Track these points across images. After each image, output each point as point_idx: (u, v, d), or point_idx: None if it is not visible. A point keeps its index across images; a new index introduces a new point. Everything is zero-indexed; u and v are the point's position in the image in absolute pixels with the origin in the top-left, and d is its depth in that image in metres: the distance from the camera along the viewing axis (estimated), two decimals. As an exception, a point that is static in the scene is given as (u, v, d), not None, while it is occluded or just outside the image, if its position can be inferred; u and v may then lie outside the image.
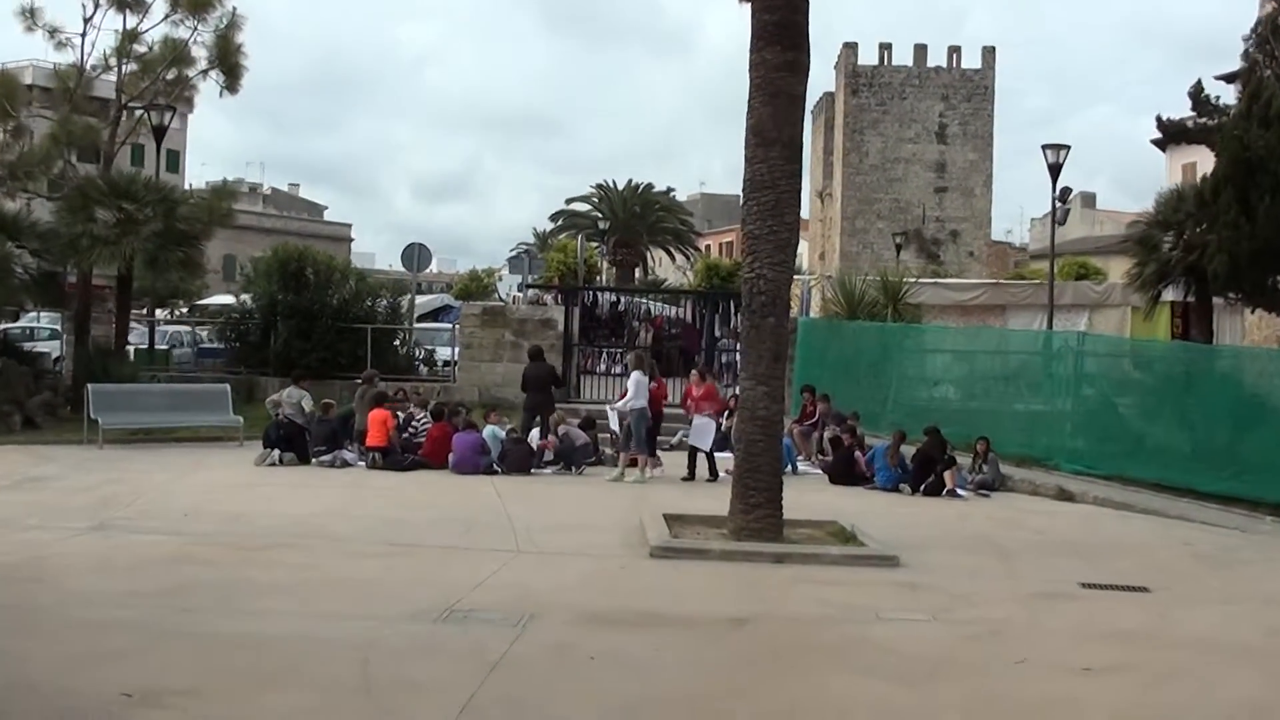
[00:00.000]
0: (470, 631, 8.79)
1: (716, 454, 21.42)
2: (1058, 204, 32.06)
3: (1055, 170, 30.54)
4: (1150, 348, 23.01)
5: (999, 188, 68.24)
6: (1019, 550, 13.51)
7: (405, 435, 19.80)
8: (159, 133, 28.32)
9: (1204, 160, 50.37)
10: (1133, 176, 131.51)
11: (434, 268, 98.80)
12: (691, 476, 18.52)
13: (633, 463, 18.56)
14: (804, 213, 12.46)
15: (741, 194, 13.19)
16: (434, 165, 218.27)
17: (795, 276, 20.66)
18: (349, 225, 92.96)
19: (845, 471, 18.86)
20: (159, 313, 44.19)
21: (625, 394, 19.05)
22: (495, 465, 18.49)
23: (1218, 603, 11.12)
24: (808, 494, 15.54)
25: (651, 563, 11.80)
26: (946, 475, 17.67)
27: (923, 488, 17.76)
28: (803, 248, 70.75)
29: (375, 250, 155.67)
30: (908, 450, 18.77)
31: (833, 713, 7.39)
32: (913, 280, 31.21)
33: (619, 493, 16.87)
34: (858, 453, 19.14)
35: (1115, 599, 11.01)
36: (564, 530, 13.50)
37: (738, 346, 28.44)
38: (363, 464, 18.89)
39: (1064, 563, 12.75)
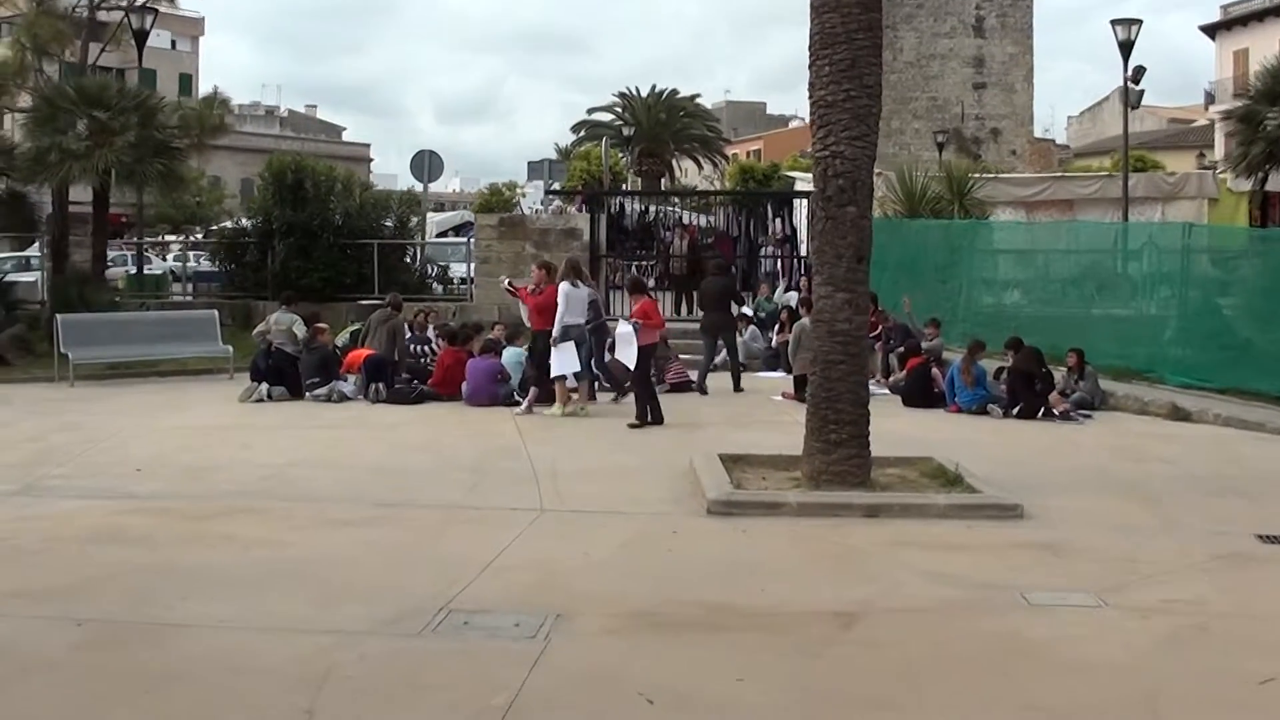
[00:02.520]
0: (471, 648, 6.25)
1: (768, 374, 19.00)
2: (1130, 85, 29.05)
3: (1126, 48, 27.86)
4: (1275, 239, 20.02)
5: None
6: (1159, 488, 10.86)
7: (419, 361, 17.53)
8: (140, 38, 26.73)
9: (1257, 46, 47.40)
10: (1165, 72, 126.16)
11: (457, 186, 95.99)
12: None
13: (551, 394, 15.20)
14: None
15: (809, 53, 10.43)
16: (457, 86, 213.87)
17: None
18: (368, 145, 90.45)
19: (921, 392, 16.24)
20: (171, 238, 42.07)
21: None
22: (516, 395, 15.98)
23: None
24: (881, 420, 12.71)
25: (711, 522, 9.23)
26: (1053, 396, 15.00)
27: (1016, 410, 15.15)
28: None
29: (399, 172, 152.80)
30: (988, 365, 16.21)
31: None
32: (976, 176, 28.34)
33: (658, 427, 14.24)
34: (934, 370, 16.50)
35: (1316, 558, 8.44)
36: (598, 477, 10.94)
37: (779, 253, 26.26)
38: (364, 397, 16.43)
39: (1222, 505, 10.16)
